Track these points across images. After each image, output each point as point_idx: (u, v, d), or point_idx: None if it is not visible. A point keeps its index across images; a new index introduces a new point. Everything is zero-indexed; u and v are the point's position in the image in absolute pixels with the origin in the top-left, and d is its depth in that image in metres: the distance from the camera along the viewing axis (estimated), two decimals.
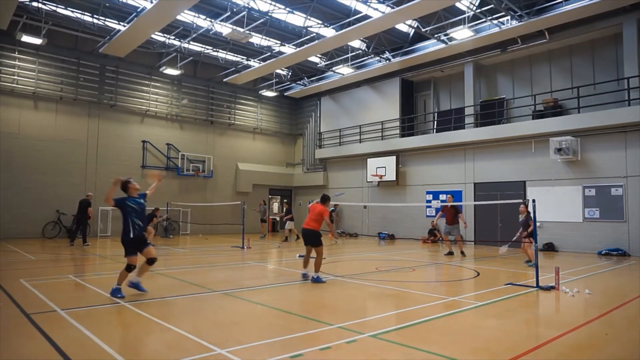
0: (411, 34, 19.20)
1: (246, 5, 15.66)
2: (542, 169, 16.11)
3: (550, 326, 5.49)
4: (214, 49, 20.48)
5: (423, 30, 16.63)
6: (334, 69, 21.12)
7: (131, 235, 6.57)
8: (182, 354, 4.14)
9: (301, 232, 8.82)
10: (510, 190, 16.66)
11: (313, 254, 8.48)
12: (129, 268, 6.62)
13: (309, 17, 16.94)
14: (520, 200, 11.63)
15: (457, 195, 18.29)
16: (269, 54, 20.00)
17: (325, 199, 8.71)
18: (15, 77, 17.57)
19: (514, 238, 11.44)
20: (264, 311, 6.17)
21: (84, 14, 16.78)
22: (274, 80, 23.86)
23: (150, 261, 6.81)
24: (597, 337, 5.00)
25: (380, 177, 20.79)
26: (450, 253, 13.40)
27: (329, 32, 17.44)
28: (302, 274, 8.50)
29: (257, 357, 4.16)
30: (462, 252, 13.42)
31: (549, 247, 15.43)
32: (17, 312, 5.73)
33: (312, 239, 8.41)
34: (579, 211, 15.17)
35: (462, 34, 15.99)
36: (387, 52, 19.71)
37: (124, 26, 16.38)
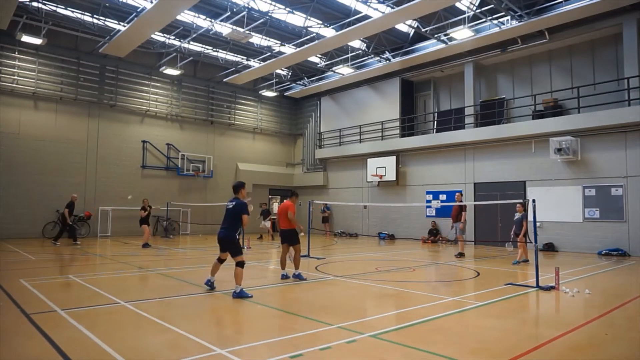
0: (411, 34, 19.19)
1: (246, 5, 15.65)
2: (542, 169, 16.10)
3: (550, 326, 5.49)
4: (214, 49, 20.47)
5: (423, 30, 16.62)
6: (334, 69, 21.11)
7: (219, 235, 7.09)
8: (182, 354, 4.14)
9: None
10: (511, 190, 16.65)
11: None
12: (242, 264, 6.92)
13: (309, 17, 16.93)
14: (520, 200, 11.82)
15: None
16: (269, 54, 19.99)
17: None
18: (15, 77, 17.55)
19: (518, 238, 11.56)
20: (264, 311, 6.17)
21: (84, 14, 16.77)
22: (274, 80, 23.85)
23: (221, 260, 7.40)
24: (597, 337, 5.00)
25: (380, 177, 20.78)
26: (462, 254, 12.91)
27: (329, 32, 17.43)
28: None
29: (257, 357, 4.16)
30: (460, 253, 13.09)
31: (549, 247, 15.42)
32: (17, 312, 5.73)
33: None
34: (579, 211, 15.16)
35: (462, 34, 15.98)
36: (387, 52, 19.71)
37: (124, 26, 16.37)
